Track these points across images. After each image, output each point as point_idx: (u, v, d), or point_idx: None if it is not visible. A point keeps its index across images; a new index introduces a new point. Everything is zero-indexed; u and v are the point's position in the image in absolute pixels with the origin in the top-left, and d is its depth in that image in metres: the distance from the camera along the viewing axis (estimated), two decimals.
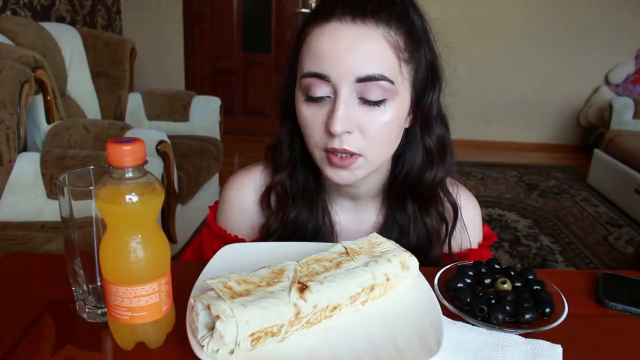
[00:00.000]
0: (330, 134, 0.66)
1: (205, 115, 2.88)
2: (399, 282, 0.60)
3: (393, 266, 0.60)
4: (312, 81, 0.66)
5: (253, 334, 0.48)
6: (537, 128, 4.49)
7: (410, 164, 0.76)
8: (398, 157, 0.77)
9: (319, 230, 0.79)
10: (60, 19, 2.95)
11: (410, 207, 0.78)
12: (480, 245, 0.84)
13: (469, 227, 0.82)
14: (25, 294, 0.63)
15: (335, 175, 0.70)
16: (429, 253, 0.79)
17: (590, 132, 4.25)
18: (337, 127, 0.64)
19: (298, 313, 0.50)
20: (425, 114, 0.73)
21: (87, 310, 0.57)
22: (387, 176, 0.79)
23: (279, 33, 4.27)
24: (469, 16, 4.13)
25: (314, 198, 0.80)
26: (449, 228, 0.79)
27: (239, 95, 4.45)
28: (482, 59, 4.25)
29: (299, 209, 0.79)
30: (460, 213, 0.79)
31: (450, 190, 0.79)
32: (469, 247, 0.82)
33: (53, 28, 2.45)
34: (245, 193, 0.82)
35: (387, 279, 0.59)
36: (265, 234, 0.81)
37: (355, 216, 0.82)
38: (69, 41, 2.51)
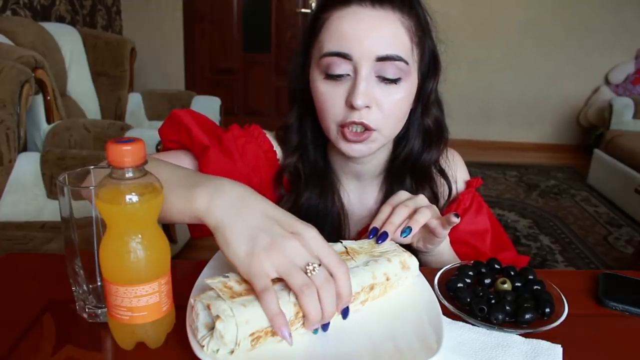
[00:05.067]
0: (350, 109, 0.71)
1: (205, 115, 2.88)
2: (399, 282, 0.61)
3: (393, 266, 0.60)
4: (333, 60, 0.70)
5: (253, 333, 0.48)
6: (537, 128, 4.50)
7: (412, 143, 0.83)
8: (400, 138, 0.82)
9: (329, 210, 0.82)
10: (61, 19, 2.95)
11: (408, 183, 0.83)
12: (466, 184, 0.89)
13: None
14: (25, 294, 0.63)
15: (349, 149, 0.74)
16: None
17: (590, 132, 4.25)
18: (359, 100, 0.69)
19: (298, 312, 0.50)
20: (426, 97, 0.80)
21: (87, 310, 0.57)
22: (389, 155, 0.84)
23: (279, 33, 4.27)
24: (470, 16, 4.13)
25: (323, 179, 0.83)
26: (444, 205, 0.84)
27: (239, 95, 4.45)
28: (483, 59, 4.25)
29: (311, 189, 0.81)
30: (456, 182, 0.86)
31: (450, 161, 0.87)
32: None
33: (53, 28, 2.45)
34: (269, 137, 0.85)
35: (387, 279, 0.59)
36: None
37: (360, 195, 0.87)
38: (69, 41, 2.52)
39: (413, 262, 0.62)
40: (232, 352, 0.47)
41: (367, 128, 0.71)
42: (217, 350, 0.48)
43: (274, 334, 0.49)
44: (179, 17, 4.11)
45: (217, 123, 2.83)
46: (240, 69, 4.39)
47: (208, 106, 2.91)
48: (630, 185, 2.89)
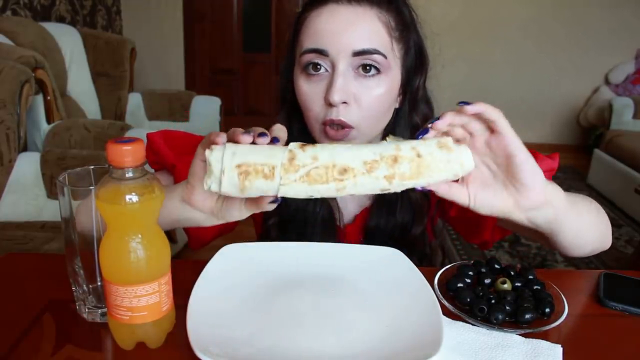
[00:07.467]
0: (328, 106, 0.71)
1: (205, 115, 2.88)
2: (437, 164, 0.51)
3: (427, 145, 0.52)
4: (311, 57, 0.71)
5: (240, 165, 0.48)
6: (537, 128, 4.49)
7: None
8: (387, 135, 0.80)
9: (318, 207, 0.82)
10: (61, 19, 2.95)
11: None
12: None
13: None
14: (25, 294, 0.63)
15: None
16: (413, 229, 0.82)
17: (590, 132, 4.25)
18: (335, 96, 0.68)
19: (293, 159, 0.48)
20: (413, 94, 0.78)
21: (87, 310, 0.57)
22: None
23: (279, 33, 4.26)
24: (469, 16, 4.13)
25: None
26: (433, 206, 0.83)
27: (239, 95, 4.45)
28: (482, 59, 4.25)
29: None
30: None
31: None
32: None
33: (53, 28, 2.45)
34: None
35: (418, 155, 0.51)
36: (267, 215, 0.82)
37: (349, 196, 0.85)
38: (69, 41, 2.51)
39: (465, 152, 0.52)
40: (220, 183, 0.49)
41: (344, 126, 0.71)
42: (210, 186, 0.50)
43: (266, 175, 0.48)
44: (179, 17, 4.11)
45: (217, 123, 2.81)
46: (240, 69, 4.39)
47: (208, 106, 2.91)
48: (630, 185, 2.88)
